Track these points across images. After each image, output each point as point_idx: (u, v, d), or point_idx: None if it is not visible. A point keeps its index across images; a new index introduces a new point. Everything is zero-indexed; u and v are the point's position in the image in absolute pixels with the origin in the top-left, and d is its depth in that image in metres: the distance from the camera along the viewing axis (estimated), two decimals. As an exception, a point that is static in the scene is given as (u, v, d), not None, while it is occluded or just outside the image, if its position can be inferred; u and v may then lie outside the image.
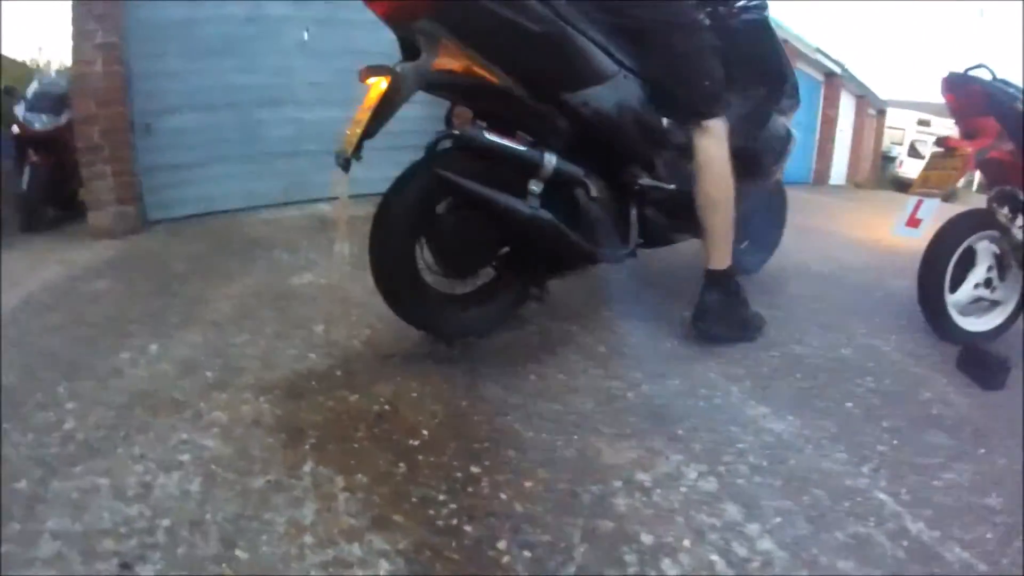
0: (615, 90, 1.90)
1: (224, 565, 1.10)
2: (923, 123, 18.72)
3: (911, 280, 2.44)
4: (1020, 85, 2.31)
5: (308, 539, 1.16)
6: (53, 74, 5.34)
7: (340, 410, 1.62)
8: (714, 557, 1.17)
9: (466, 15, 1.66)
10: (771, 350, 2.13)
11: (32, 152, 4.26)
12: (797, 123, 2.78)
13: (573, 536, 1.20)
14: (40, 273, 2.93)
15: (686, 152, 2.03)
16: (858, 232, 5.26)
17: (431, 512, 1.25)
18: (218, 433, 1.50)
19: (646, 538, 1.21)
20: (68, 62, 4.06)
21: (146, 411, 1.60)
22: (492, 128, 1.82)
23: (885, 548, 1.22)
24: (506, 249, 1.97)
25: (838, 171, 14.20)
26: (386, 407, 1.63)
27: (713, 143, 2.01)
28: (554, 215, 1.82)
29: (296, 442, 1.47)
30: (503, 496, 1.30)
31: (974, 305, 2.40)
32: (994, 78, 2.31)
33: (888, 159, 19.04)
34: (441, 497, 1.29)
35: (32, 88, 4.49)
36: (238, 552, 1.13)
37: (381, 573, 1.09)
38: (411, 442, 1.48)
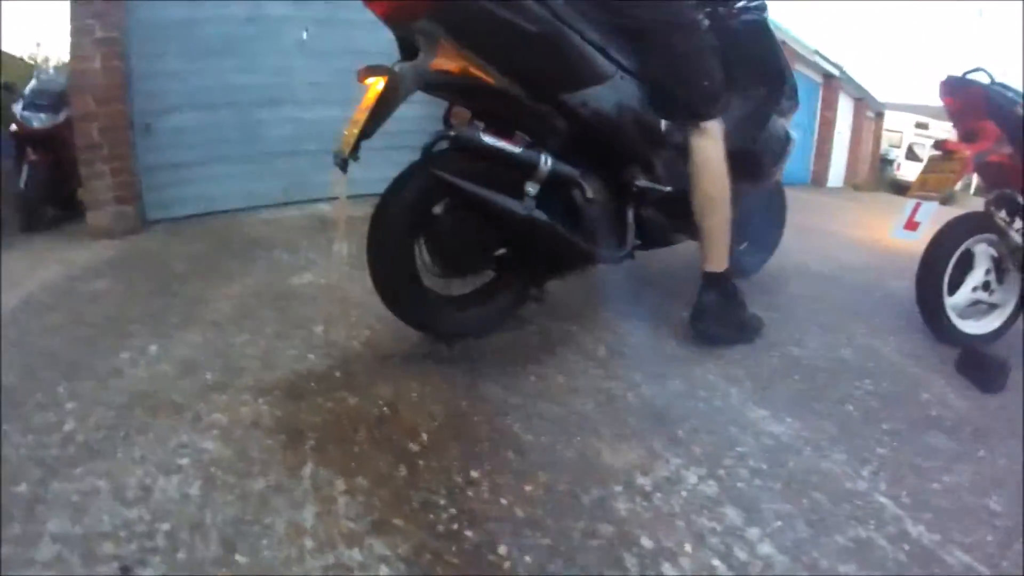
0: (612, 91, 1.90)
1: (224, 569, 1.10)
2: (921, 126, 18.79)
3: (910, 281, 2.44)
4: (1019, 88, 2.31)
5: (308, 542, 1.16)
6: (51, 70, 5.31)
7: (340, 412, 1.61)
8: (715, 561, 1.17)
9: (464, 16, 1.66)
10: (770, 352, 2.13)
11: (31, 150, 4.24)
12: (795, 125, 2.78)
13: (573, 540, 1.20)
14: (39, 273, 2.92)
15: (684, 153, 2.03)
16: (857, 233, 5.27)
17: (431, 516, 1.24)
18: (218, 435, 1.50)
19: (646, 542, 1.21)
20: (67, 58, 4.04)
21: (146, 412, 1.60)
22: (490, 128, 1.83)
23: (886, 551, 1.22)
24: (504, 250, 1.97)
25: (836, 173, 14.23)
26: (386, 409, 1.63)
27: (710, 144, 2.01)
28: (551, 216, 1.82)
29: (296, 444, 1.47)
30: (503, 500, 1.30)
31: (972, 308, 2.41)
32: (993, 82, 2.32)
33: (886, 162, 19.09)
34: (441, 501, 1.29)
35: (30, 85, 4.47)
36: (238, 556, 1.12)
37: (381, 576, 1.09)
38: (411, 445, 1.48)
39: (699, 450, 1.52)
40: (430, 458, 1.43)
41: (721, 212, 2.04)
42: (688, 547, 1.20)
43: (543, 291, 2.06)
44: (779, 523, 1.28)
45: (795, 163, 7.30)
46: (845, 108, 14.37)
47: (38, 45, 13.25)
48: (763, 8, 2.43)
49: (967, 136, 2.37)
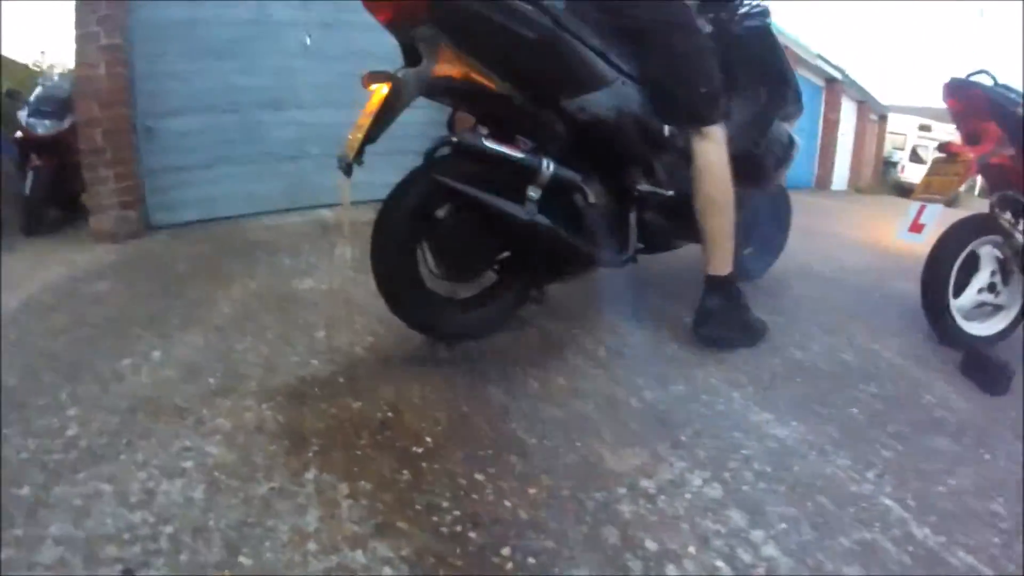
0: (613, 95, 1.90)
1: (227, 572, 1.09)
2: (924, 128, 18.77)
3: (914, 284, 2.44)
4: (1021, 90, 2.31)
5: (312, 546, 1.16)
6: (56, 77, 5.34)
7: (343, 416, 1.61)
8: (719, 563, 1.17)
9: (465, 22, 1.68)
10: (773, 355, 2.13)
11: (35, 156, 4.27)
12: (799, 129, 2.78)
13: (577, 543, 1.20)
14: (41, 275, 2.94)
15: (686, 157, 2.03)
16: (860, 236, 5.27)
17: (435, 519, 1.24)
18: (221, 439, 1.50)
19: (651, 545, 1.20)
20: (71, 64, 4.06)
21: (149, 417, 1.60)
22: (493, 133, 1.84)
23: (890, 554, 1.22)
24: (506, 253, 1.98)
25: (840, 176, 14.22)
26: (389, 413, 1.63)
27: (712, 148, 2.01)
28: (552, 220, 1.83)
29: (299, 449, 1.47)
30: (507, 503, 1.30)
31: (977, 309, 2.41)
32: (995, 83, 2.32)
33: (890, 164, 19.07)
34: (445, 504, 1.29)
35: (35, 92, 4.50)
36: (242, 559, 1.12)
37: (385, 580, 1.09)
38: (414, 448, 1.48)
39: (703, 453, 1.52)
40: (433, 461, 1.43)
41: (724, 216, 2.04)
42: (692, 549, 1.19)
43: (543, 293, 2.06)
44: (783, 525, 1.28)
45: (799, 167, 7.31)
46: (848, 111, 14.37)
47: (43, 52, 13.30)
48: (766, 13, 2.44)
49: (971, 138, 2.37)
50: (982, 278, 2.37)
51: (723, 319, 2.10)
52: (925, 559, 1.21)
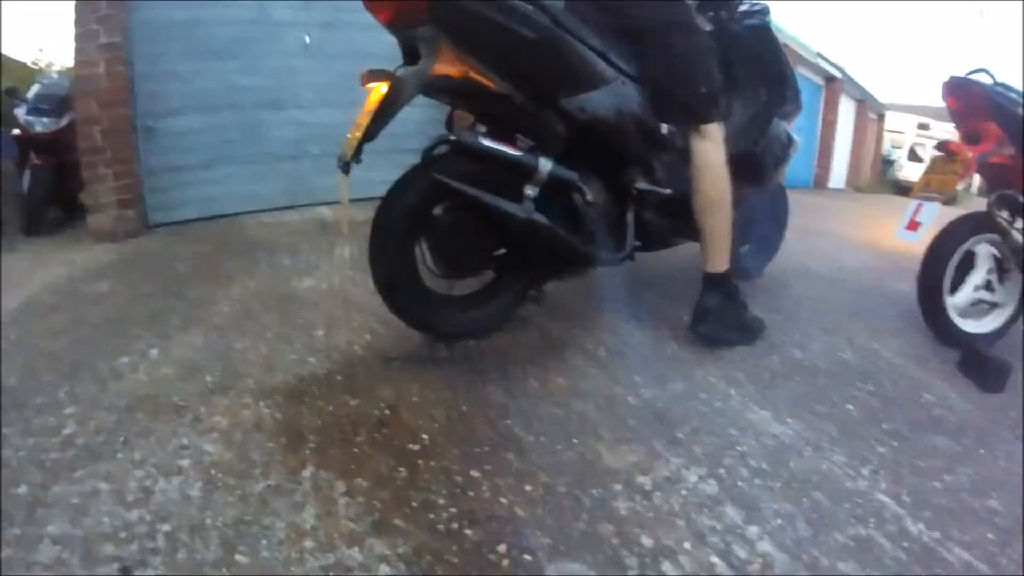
0: (612, 95, 1.90)
1: (225, 570, 1.10)
2: (923, 127, 18.77)
3: (911, 282, 2.44)
4: (1020, 89, 2.31)
5: (309, 543, 1.16)
6: (55, 75, 5.34)
7: (341, 414, 1.62)
8: (715, 559, 1.17)
9: (464, 22, 1.68)
10: (771, 353, 2.13)
11: (33, 154, 4.27)
12: (798, 127, 2.78)
13: (574, 539, 1.20)
14: (40, 275, 2.94)
15: (684, 156, 2.03)
16: (858, 234, 5.26)
17: (432, 516, 1.25)
18: (218, 437, 1.50)
19: (647, 541, 1.21)
20: (69, 62, 4.06)
21: (146, 415, 1.60)
22: (491, 131, 1.84)
23: (886, 550, 1.22)
24: (504, 251, 1.98)
25: (838, 175, 14.22)
26: (386, 411, 1.63)
27: (710, 146, 2.01)
28: (550, 218, 1.83)
29: (296, 446, 1.47)
30: (504, 500, 1.30)
31: (974, 308, 2.40)
32: (995, 82, 2.32)
33: (888, 163, 19.08)
34: (442, 501, 1.29)
35: (34, 90, 4.49)
36: (238, 556, 1.13)
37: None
38: (412, 446, 1.48)
39: (699, 450, 1.52)
40: (430, 459, 1.44)
41: (722, 214, 2.04)
42: (688, 546, 1.20)
43: (542, 292, 2.06)
44: (779, 522, 1.28)
45: (797, 165, 7.31)
46: (847, 110, 14.36)
47: (41, 50, 13.31)
48: (765, 12, 2.44)
49: (969, 137, 2.37)
50: (979, 276, 2.37)
51: (721, 317, 2.10)
52: (921, 555, 1.22)
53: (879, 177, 17.85)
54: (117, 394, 1.72)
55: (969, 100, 2.35)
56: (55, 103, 4.33)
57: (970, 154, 2.27)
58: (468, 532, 1.21)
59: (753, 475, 1.44)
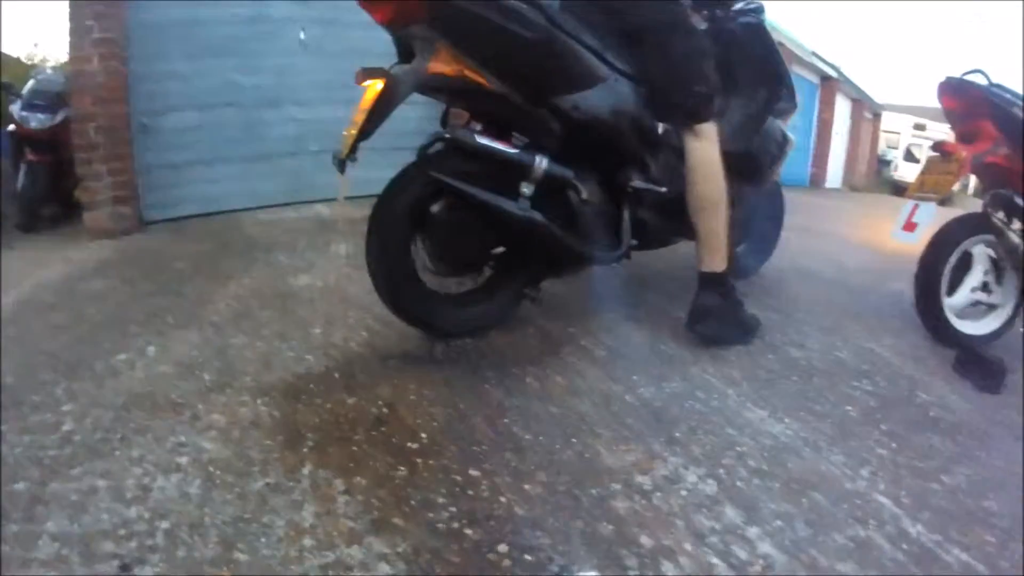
0: (607, 94, 1.90)
1: (223, 567, 1.09)
2: (919, 127, 18.81)
3: (908, 282, 2.45)
4: (1017, 90, 2.32)
5: (307, 541, 1.16)
6: (49, 71, 5.31)
7: (339, 412, 1.61)
8: (714, 560, 1.17)
9: (459, 21, 1.68)
10: (768, 353, 2.13)
11: (29, 151, 4.25)
12: (793, 126, 2.78)
13: (573, 539, 1.20)
14: (37, 272, 2.93)
15: (680, 154, 2.03)
16: (854, 234, 5.28)
17: (431, 515, 1.24)
18: (217, 435, 1.50)
19: (646, 541, 1.21)
20: (64, 58, 4.04)
21: (144, 413, 1.60)
22: (487, 129, 1.84)
23: (885, 551, 1.22)
24: (501, 249, 1.98)
25: (834, 174, 14.26)
26: (385, 410, 1.63)
27: (705, 145, 2.02)
28: (546, 216, 1.83)
29: (295, 444, 1.47)
30: (503, 499, 1.30)
31: (971, 308, 2.41)
32: (991, 83, 2.32)
33: (884, 163, 19.12)
34: (441, 500, 1.29)
35: (28, 86, 4.47)
36: (238, 554, 1.12)
37: (380, 575, 1.09)
38: (410, 445, 1.48)
39: (698, 450, 1.53)
40: (429, 458, 1.43)
41: (718, 213, 2.04)
42: (687, 546, 1.20)
43: (539, 292, 2.06)
44: (778, 522, 1.28)
45: (793, 164, 7.34)
46: (843, 109, 14.40)
47: (36, 45, 13.25)
48: (760, 10, 2.44)
49: (965, 137, 2.38)
50: (975, 277, 2.38)
51: (717, 316, 2.10)
52: (919, 556, 1.22)
53: (875, 177, 17.89)
54: (115, 392, 1.71)
55: (965, 100, 2.35)
56: (50, 99, 4.31)
57: (965, 154, 2.27)
58: (467, 531, 1.20)
59: (752, 475, 1.44)
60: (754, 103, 2.40)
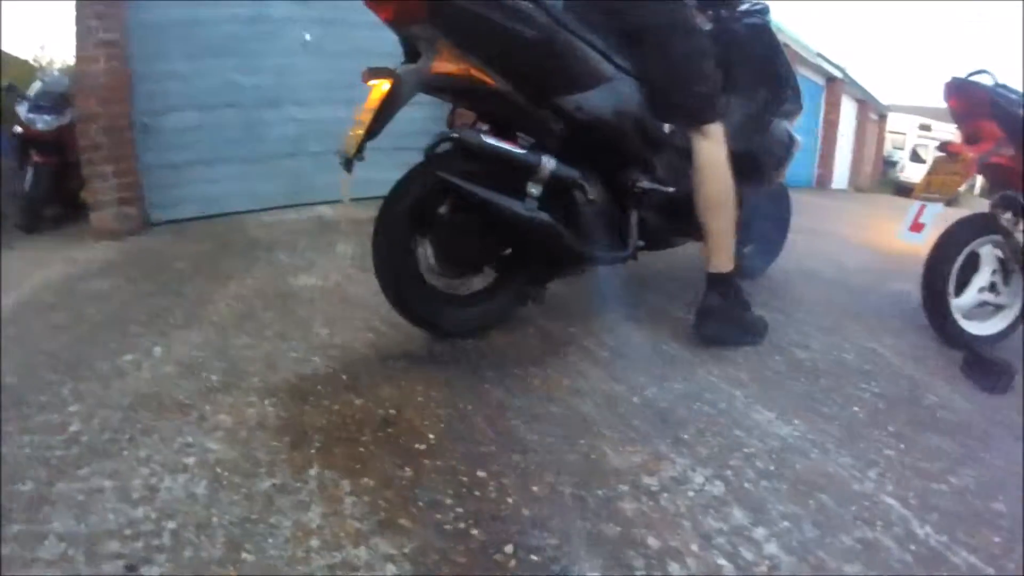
0: (612, 94, 1.90)
1: (230, 568, 1.09)
2: (925, 128, 18.78)
3: (914, 283, 2.45)
4: (1021, 90, 2.31)
5: (314, 542, 1.16)
6: (55, 73, 5.33)
7: (345, 414, 1.61)
8: (721, 561, 1.17)
9: (462, 21, 1.68)
10: (775, 354, 2.13)
11: (35, 152, 4.26)
12: (799, 127, 2.78)
13: (579, 540, 1.20)
14: (42, 273, 2.93)
15: (686, 154, 2.03)
16: (860, 235, 5.27)
17: (437, 516, 1.24)
18: (223, 436, 1.50)
19: (653, 542, 1.20)
20: (71, 60, 4.06)
21: (150, 413, 1.60)
22: (493, 130, 1.85)
23: (892, 552, 1.22)
24: (506, 250, 1.98)
25: (840, 175, 14.23)
26: (391, 411, 1.63)
27: (712, 146, 2.02)
28: (553, 217, 1.83)
29: (301, 445, 1.47)
30: (509, 500, 1.30)
31: (978, 309, 2.41)
32: (996, 83, 2.32)
33: (890, 163, 19.08)
34: (447, 501, 1.29)
35: (35, 87, 4.49)
36: (244, 555, 1.12)
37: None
38: (417, 446, 1.48)
39: (705, 451, 1.52)
40: (435, 458, 1.43)
41: (725, 213, 2.04)
42: (694, 547, 1.19)
43: (544, 292, 2.06)
44: (786, 523, 1.28)
45: (799, 165, 7.32)
46: (848, 110, 14.37)
47: (42, 48, 13.29)
48: (766, 11, 2.44)
49: (971, 138, 2.37)
50: (983, 278, 2.37)
51: (724, 317, 2.10)
52: (927, 558, 1.21)
53: (881, 178, 17.85)
54: (120, 392, 1.71)
55: (970, 101, 2.35)
56: (56, 100, 4.33)
57: (971, 155, 2.27)
58: (474, 532, 1.20)
59: (759, 476, 1.43)
60: (754, 103, 2.39)
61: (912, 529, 1.29)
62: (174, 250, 3.39)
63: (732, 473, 1.44)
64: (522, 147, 1.81)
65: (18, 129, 4.32)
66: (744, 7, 2.39)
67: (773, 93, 2.46)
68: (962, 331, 2.34)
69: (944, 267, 2.31)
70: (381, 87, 1.69)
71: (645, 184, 2.02)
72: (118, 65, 3.70)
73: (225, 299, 2.49)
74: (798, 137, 2.70)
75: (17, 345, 2.02)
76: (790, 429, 1.65)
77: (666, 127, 2.04)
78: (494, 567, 1.12)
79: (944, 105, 2.48)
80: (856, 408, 1.81)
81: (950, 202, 2.36)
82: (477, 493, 1.32)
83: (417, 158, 1.84)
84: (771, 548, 1.21)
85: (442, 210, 1.88)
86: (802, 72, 9.87)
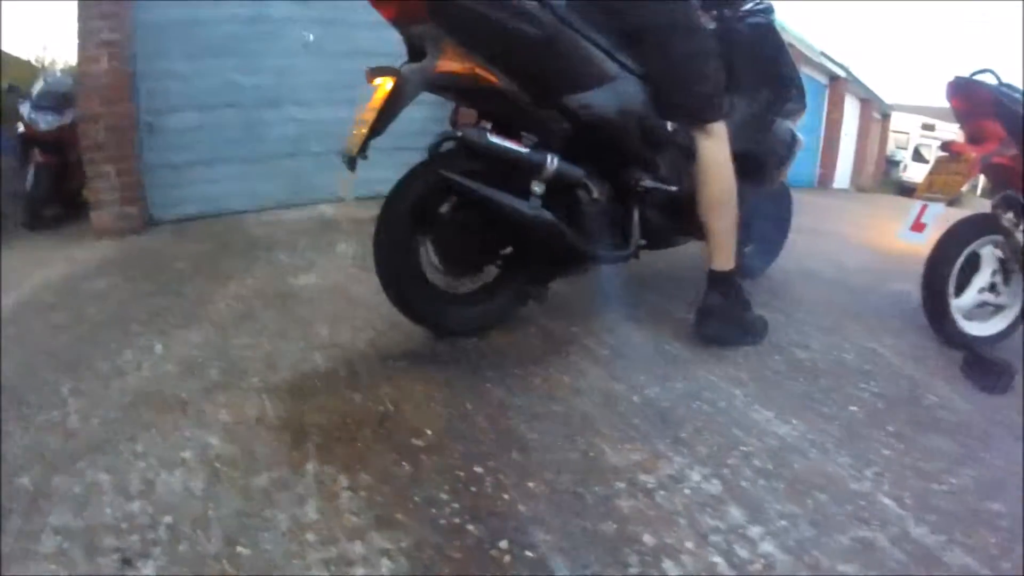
0: (616, 93, 1.90)
1: (226, 562, 1.10)
2: (927, 127, 18.73)
3: (914, 283, 2.44)
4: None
5: (310, 537, 1.16)
6: (58, 72, 5.35)
7: (344, 410, 1.61)
8: (716, 559, 1.16)
9: (467, 19, 1.68)
10: (774, 353, 2.12)
11: (37, 152, 4.28)
12: (802, 126, 2.77)
13: (576, 536, 1.20)
14: (42, 271, 2.94)
15: (688, 153, 2.03)
16: (862, 235, 5.26)
17: (434, 511, 1.24)
18: (221, 432, 1.50)
19: (649, 540, 1.20)
20: (73, 60, 4.07)
21: (149, 409, 1.60)
22: (496, 129, 1.84)
23: (888, 552, 1.22)
24: (509, 249, 1.98)
25: (842, 175, 14.20)
26: (389, 407, 1.63)
27: (715, 145, 2.01)
28: (556, 216, 1.83)
29: (299, 441, 1.47)
30: (506, 496, 1.30)
31: (978, 309, 2.40)
32: (999, 83, 2.31)
33: (892, 163, 19.02)
34: (444, 497, 1.29)
35: (37, 87, 4.51)
36: (240, 549, 1.13)
37: (383, 572, 1.09)
38: (414, 442, 1.48)
39: (703, 450, 1.52)
40: (433, 454, 1.43)
41: (728, 212, 2.04)
42: (690, 545, 1.19)
43: (546, 291, 2.06)
44: (782, 522, 1.27)
45: (801, 165, 7.31)
46: (851, 109, 14.33)
47: (44, 48, 13.33)
48: (770, 10, 2.43)
49: (974, 137, 2.36)
50: (983, 278, 2.37)
51: (725, 316, 2.09)
52: (923, 558, 1.21)
53: (883, 178, 17.81)
54: (120, 390, 1.72)
55: (974, 101, 2.34)
56: (59, 100, 4.35)
57: (974, 155, 2.26)
58: (470, 528, 1.20)
59: (756, 475, 1.43)
60: (758, 103, 2.39)
61: (908, 529, 1.29)
62: (174, 249, 3.40)
63: (730, 472, 1.44)
64: (526, 146, 1.81)
65: (20, 128, 4.33)
66: (748, 6, 2.38)
67: (776, 92, 2.46)
68: (962, 331, 2.34)
69: (944, 267, 2.31)
70: (384, 86, 1.69)
71: (648, 183, 2.01)
72: (120, 65, 3.70)
73: (225, 298, 2.49)
74: (800, 136, 2.69)
75: (17, 344, 2.03)
76: (789, 428, 1.65)
77: (669, 126, 2.04)
78: (490, 563, 1.13)
79: (947, 105, 2.47)
80: (855, 408, 1.81)
81: (952, 202, 2.36)
82: (474, 489, 1.32)
83: (418, 157, 1.84)
84: (767, 547, 1.20)
85: (444, 209, 1.88)
86: (805, 71, 9.83)
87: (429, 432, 1.52)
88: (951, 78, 2.39)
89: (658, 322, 2.30)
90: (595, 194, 1.90)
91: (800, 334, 2.33)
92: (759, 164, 2.40)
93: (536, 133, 1.85)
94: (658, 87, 1.99)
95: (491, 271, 2.03)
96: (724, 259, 2.07)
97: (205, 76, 4.15)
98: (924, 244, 2.32)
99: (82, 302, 2.48)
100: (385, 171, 1.92)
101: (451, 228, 1.88)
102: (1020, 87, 2.29)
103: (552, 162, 1.79)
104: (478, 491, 1.32)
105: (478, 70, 1.74)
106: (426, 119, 3.25)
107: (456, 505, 1.26)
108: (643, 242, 2.10)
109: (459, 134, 1.79)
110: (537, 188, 1.81)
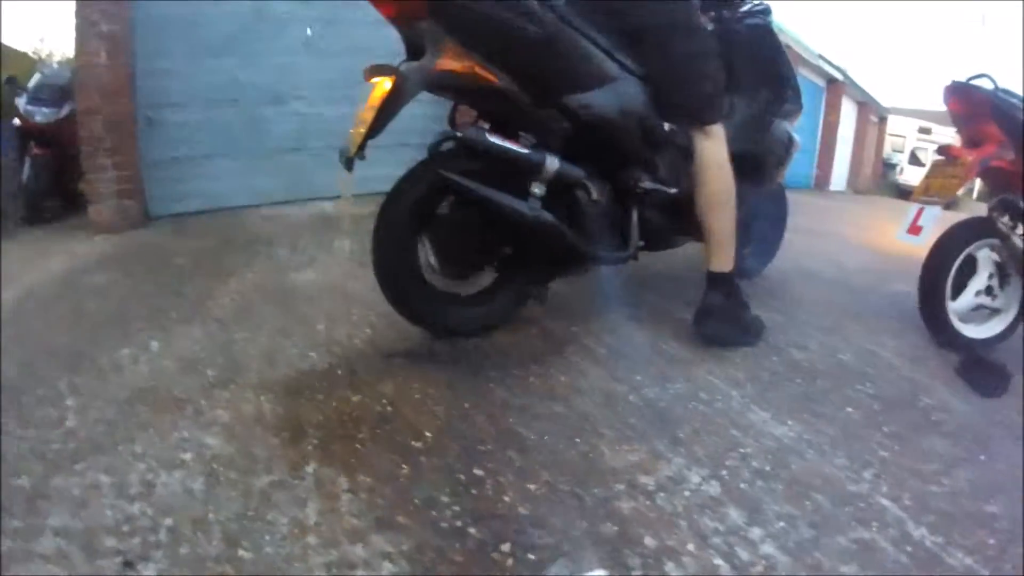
0: (616, 93, 1.90)
1: (227, 565, 1.09)
2: (924, 131, 18.80)
3: (911, 285, 2.45)
4: (1022, 94, 2.31)
5: (311, 539, 1.16)
6: (55, 65, 5.33)
7: (343, 410, 1.61)
8: (717, 561, 1.17)
9: (467, 18, 1.67)
10: (771, 354, 2.13)
11: (34, 144, 4.26)
12: (799, 128, 2.78)
13: (576, 538, 1.20)
14: (40, 266, 2.93)
15: (687, 154, 2.03)
16: (858, 237, 5.27)
17: (435, 513, 1.24)
18: (220, 431, 1.50)
19: (649, 541, 1.21)
20: (70, 53, 4.06)
21: (148, 408, 1.60)
22: (495, 128, 1.84)
23: (888, 553, 1.22)
24: (508, 250, 1.98)
25: (839, 177, 14.24)
26: (389, 408, 1.63)
27: (714, 145, 2.02)
28: (556, 216, 1.83)
29: (299, 441, 1.46)
30: (506, 498, 1.30)
31: (975, 312, 2.41)
32: (996, 87, 2.32)
33: (889, 166, 19.09)
34: (445, 499, 1.29)
35: (34, 79, 4.48)
36: (241, 552, 1.12)
37: (384, 574, 1.09)
38: (414, 443, 1.48)
39: (701, 451, 1.52)
40: (433, 456, 1.43)
41: (726, 213, 2.04)
42: (691, 547, 1.20)
43: (545, 292, 2.06)
44: (782, 524, 1.28)
45: (798, 167, 7.32)
46: (848, 112, 14.37)
47: (42, 40, 13.26)
48: (768, 12, 2.44)
49: (971, 141, 2.37)
50: (979, 281, 2.38)
51: (724, 316, 2.10)
52: (922, 559, 1.22)
53: (880, 180, 17.86)
54: (118, 386, 1.71)
55: (971, 104, 2.35)
56: (56, 93, 4.32)
57: (971, 158, 2.27)
58: (471, 530, 1.20)
59: (755, 476, 1.44)
60: (756, 104, 2.39)
61: (907, 530, 1.29)
62: (174, 245, 3.39)
63: (728, 473, 1.44)
64: (526, 146, 1.81)
65: (17, 122, 4.31)
66: (746, 8, 2.39)
67: (774, 93, 2.46)
68: (958, 334, 2.35)
69: (941, 270, 2.31)
70: (383, 85, 1.68)
71: (647, 184, 2.02)
72: (119, 59, 3.69)
73: (225, 294, 2.49)
74: (797, 138, 2.70)
75: (15, 340, 2.02)
76: (786, 429, 1.66)
77: (667, 126, 2.04)
78: (491, 565, 1.13)
79: (944, 108, 2.48)
80: (851, 408, 1.81)
81: (949, 205, 2.37)
82: (474, 491, 1.32)
83: (418, 155, 1.84)
84: (767, 548, 1.21)
85: (443, 209, 1.87)
86: (803, 73, 9.88)
87: (428, 433, 1.52)
88: (948, 82, 2.40)
89: (658, 322, 2.30)
90: (595, 195, 1.90)
91: (799, 335, 2.33)
92: (758, 164, 2.41)
93: (536, 133, 1.85)
94: (658, 87, 1.99)
95: (490, 271, 2.03)
96: (723, 260, 2.07)
97: (206, 73, 4.14)
98: (922, 246, 2.33)
99: (81, 297, 2.47)
100: (386, 168, 1.91)
101: (450, 228, 1.88)
102: (1019, 92, 2.30)
103: (552, 163, 1.79)
104: (479, 493, 1.32)
105: (478, 69, 1.73)
106: (427, 116, 3.25)
107: (457, 507, 1.26)
108: (642, 243, 2.10)
109: (459, 134, 1.79)
110: (536, 189, 1.81)
